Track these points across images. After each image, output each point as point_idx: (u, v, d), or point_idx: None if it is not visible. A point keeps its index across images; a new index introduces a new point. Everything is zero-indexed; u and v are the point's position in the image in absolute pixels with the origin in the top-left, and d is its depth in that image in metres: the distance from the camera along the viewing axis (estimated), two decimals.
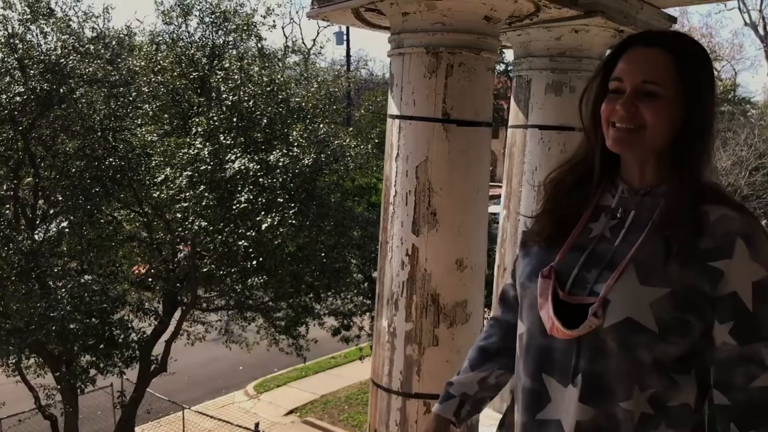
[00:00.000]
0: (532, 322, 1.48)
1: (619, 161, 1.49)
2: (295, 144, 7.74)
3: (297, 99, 8.58)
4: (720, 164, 13.73)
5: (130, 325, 8.25)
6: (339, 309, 11.51)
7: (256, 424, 11.69)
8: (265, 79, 8.29)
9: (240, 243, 7.45)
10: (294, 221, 7.17)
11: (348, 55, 29.47)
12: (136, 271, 9.84)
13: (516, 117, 4.54)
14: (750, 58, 63.28)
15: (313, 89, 8.89)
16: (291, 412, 14.51)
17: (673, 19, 4.73)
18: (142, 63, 8.89)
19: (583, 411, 1.39)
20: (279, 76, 8.47)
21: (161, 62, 8.75)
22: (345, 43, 28.72)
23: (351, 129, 9.65)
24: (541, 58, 4.38)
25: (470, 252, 3.62)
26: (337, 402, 15.05)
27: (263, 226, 7.18)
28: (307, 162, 7.58)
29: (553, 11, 3.68)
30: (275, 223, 7.11)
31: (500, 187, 4.75)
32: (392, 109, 3.67)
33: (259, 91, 8.21)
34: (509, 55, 5.82)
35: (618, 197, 1.47)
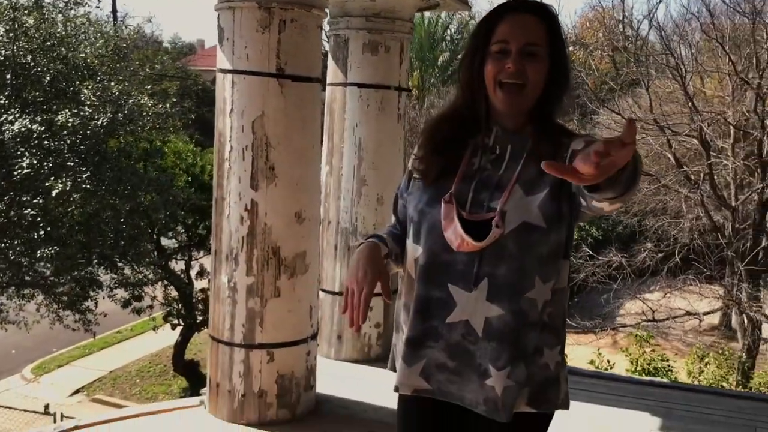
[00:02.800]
0: (434, 242, 1.69)
1: (490, 110, 1.74)
2: (87, 103, 7.19)
3: (81, 55, 7.95)
4: None
5: None
6: (129, 280, 10.99)
7: (46, 406, 10.87)
8: (42, 32, 7.54)
9: (26, 212, 6.81)
10: (88, 186, 6.70)
11: (114, 11, 27.42)
12: None
13: (335, 75, 4.69)
14: None
15: (98, 45, 8.27)
16: (77, 391, 13.66)
17: None
18: None
19: (490, 308, 1.64)
20: (59, 30, 7.76)
21: None
22: None
23: (149, 87, 9.15)
24: (358, 18, 4.55)
25: (308, 205, 3.74)
26: (127, 377, 14.43)
27: (53, 193, 6.64)
28: (101, 122, 7.10)
29: None
30: (67, 188, 6.60)
31: None
32: (223, 63, 3.64)
33: (36, 47, 7.47)
34: None
35: (494, 137, 1.73)
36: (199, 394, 4.21)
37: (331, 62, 4.72)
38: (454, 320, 1.67)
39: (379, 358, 4.77)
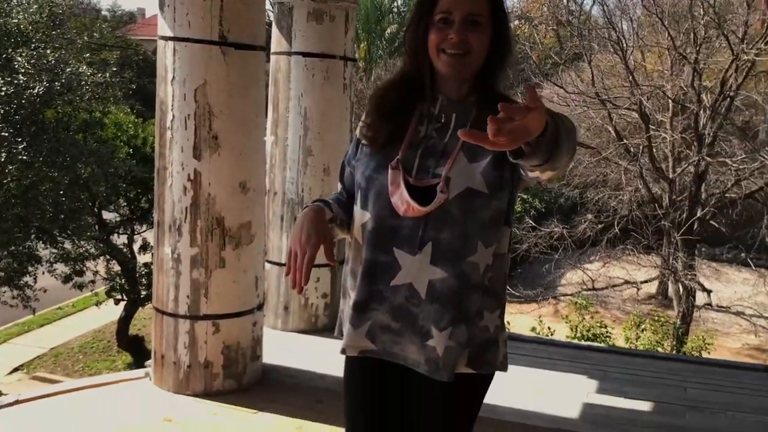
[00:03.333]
0: (381, 207, 1.72)
1: (436, 78, 1.77)
2: (21, 71, 6.92)
3: (14, 21, 7.63)
4: None
5: None
6: (70, 254, 10.74)
7: None
8: None
9: None
10: (24, 157, 6.48)
11: None
12: None
13: (279, 44, 4.63)
14: None
15: (31, 10, 7.95)
16: (16, 369, 13.34)
17: None
18: None
19: (434, 271, 1.69)
20: None
21: None
22: None
23: (87, 56, 8.85)
24: None
25: (252, 174, 3.72)
26: (69, 353, 14.14)
27: None
28: (37, 91, 6.84)
29: None
30: (1, 159, 6.37)
31: None
32: (164, 30, 3.57)
33: None
34: None
35: (439, 106, 1.77)
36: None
37: (275, 31, 4.66)
38: (397, 283, 1.71)
39: (326, 328, 4.81)
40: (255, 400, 3.74)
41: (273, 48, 4.68)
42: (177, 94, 3.53)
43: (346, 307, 1.86)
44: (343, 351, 1.81)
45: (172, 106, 3.56)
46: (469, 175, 1.68)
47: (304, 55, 4.55)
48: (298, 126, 4.61)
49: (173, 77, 3.54)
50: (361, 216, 1.77)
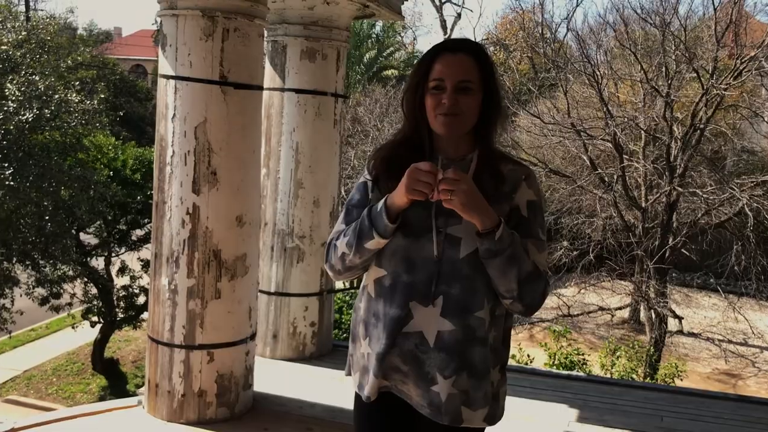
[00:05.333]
0: (396, 265, 1.89)
1: (434, 139, 1.94)
2: (11, 98, 6.97)
3: (4, 47, 7.68)
4: None
5: None
6: (48, 277, 10.70)
7: None
8: None
9: None
10: (12, 183, 6.51)
11: None
12: None
13: (273, 80, 4.78)
14: (427, 25, 71.27)
15: (20, 37, 8.01)
16: None
17: None
18: None
19: (443, 323, 1.85)
20: None
21: None
22: None
23: (76, 84, 8.91)
24: (296, 26, 4.66)
25: (248, 209, 3.84)
26: (43, 376, 13.97)
27: None
28: (27, 118, 6.89)
29: None
30: None
31: None
32: (165, 69, 3.70)
33: None
34: None
35: (440, 164, 1.90)
36: (126, 393, 4.24)
37: (268, 67, 4.81)
38: (409, 330, 1.86)
39: (313, 356, 4.92)
40: (247, 428, 3.83)
41: (266, 84, 4.81)
42: (177, 130, 3.66)
43: (356, 351, 2.02)
44: (368, 399, 1.95)
45: (173, 142, 3.67)
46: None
47: (297, 91, 4.70)
48: (290, 159, 4.75)
49: (174, 114, 3.66)
50: (376, 272, 1.93)
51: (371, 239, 1.85)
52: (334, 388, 4.10)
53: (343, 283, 9.70)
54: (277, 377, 4.58)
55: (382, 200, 1.85)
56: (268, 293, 4.87)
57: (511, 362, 8.66)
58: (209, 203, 3.69)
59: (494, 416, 1.94)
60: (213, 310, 3.77)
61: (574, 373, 7.41)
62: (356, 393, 2.03)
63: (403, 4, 5.31)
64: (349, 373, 2.07)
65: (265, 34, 4.57)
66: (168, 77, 3.68)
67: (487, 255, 1.78)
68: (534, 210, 1.91)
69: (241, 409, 3.96)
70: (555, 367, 8.75)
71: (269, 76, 4.80)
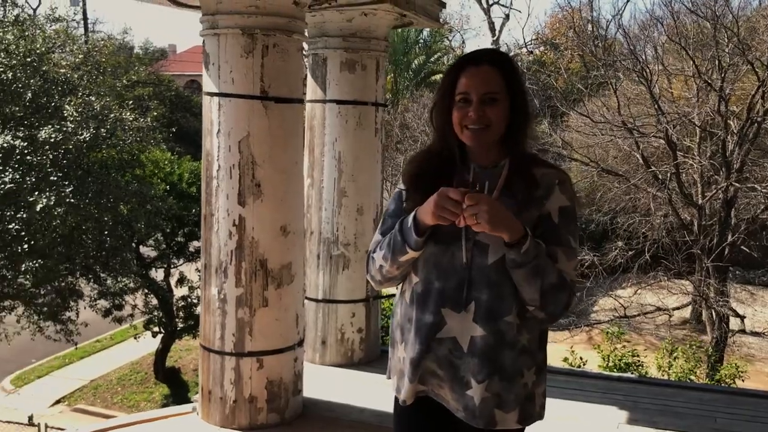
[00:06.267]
0: (428, 272, 1.95)
1: (465, 149, 1.99)
2: (70, 119, 7.30)
3: (62, 70, 8.05)
4: None
5: None
6: (110, 289, 11.10)
7: (30, 417, 10.91)
8: (21, 49, 7.64)
9: (10, 226, 6.90)
10: (72, 200, 6.82)
11: (85, 17, 27.27)
12: None
13: (314, 92, 4.89)
14: (475, 28, 71.50)
15: (77, 60, 8.38)
16: (58, 401, 13.68)
17: (443, 4, 5.38)
18: None
19: (475, 328, 1.90)
20: (38, 46, 7.86)
21: None
22: (81, 3, 26.50)
23: (131, 102, 9.26)
24: (335, 38, 4.76)
25: (292, 219, 3.95)
26: (108, 385, 14.47)
27: (38, 207, 6.74)
28: (85, 137, 7.21)
29: None
30: (51, 203, 6.71)
31: None
32: (209, 86, 3.83)
33: (15, 62, 7.56)
34: None
35: (472, 174, 1.97)
36: (187, 401, 4.39)
37: (310, 80, 4.92)
38: (443, 336, 1.92)
39: (362, 362, 4.99)
40: None
41: (308, 96, 4.93)
42: (222, 145, 3.79)
43: (394, 355, 2.09)
44: (404, 402, 2.02)
45: (218, 156, 3.81)
46: None
47: (338, 102, 4.80)
48: (333, 169, 4.85)
49: (218, 130, 3.79)
50: (410, 278, 2.00)
51: (405, 253, 1.92)
52: (383, 393, 4.13)
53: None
54: (327, 383, 4.67)
55: (412, 215, 1.90)
56: (316, 300, 4.97)
57: (562, 365, 8.62)
58: (254, 214, 3.81)
59: (529, 417, 1.98)
60: (261, 318, 3.88)
61: (625, 375, 7.30)
62: (395, 396, 2.10)
63: (441, 11, 5.36)
64: (389, 377, 2.14)
65: (306, 48, 4.69)
66: (212, 94, 3.82)
67: (512, 264, 1.83)
68: (566, 216, 1.93)
69: (292, 415, 4.06)
70: (609, 369, 8.63)
71: (311, 89, 4.91)
